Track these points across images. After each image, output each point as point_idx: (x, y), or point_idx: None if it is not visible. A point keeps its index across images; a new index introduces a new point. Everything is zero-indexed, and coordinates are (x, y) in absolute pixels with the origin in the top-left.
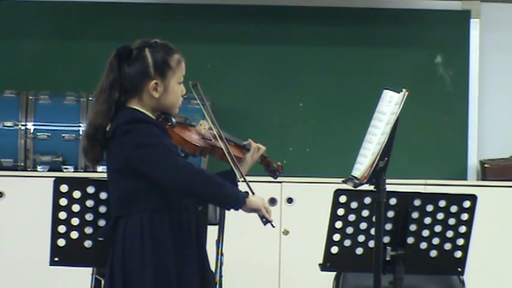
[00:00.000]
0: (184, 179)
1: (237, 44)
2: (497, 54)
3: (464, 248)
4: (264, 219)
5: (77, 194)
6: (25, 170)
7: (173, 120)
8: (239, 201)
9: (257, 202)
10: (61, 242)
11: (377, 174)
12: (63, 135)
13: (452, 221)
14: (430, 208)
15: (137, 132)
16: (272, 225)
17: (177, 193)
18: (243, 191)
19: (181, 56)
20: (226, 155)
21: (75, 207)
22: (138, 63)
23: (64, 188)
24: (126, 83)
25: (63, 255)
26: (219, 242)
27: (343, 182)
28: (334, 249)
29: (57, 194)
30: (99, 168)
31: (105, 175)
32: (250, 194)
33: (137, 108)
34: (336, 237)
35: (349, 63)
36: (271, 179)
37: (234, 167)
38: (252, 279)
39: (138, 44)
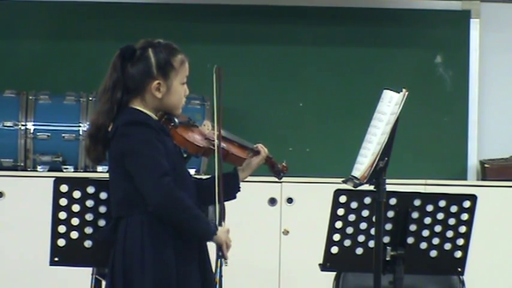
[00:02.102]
0: (164, 202)
1: (237, 44)
2: (497, 54)
3: (464, 248)
4: (220, 253)
5: (77, 194)
6: (25, 170)
7: (176, 120)
8: (208, 237)
9: (221, 239)
10: (61, 242)
11: (377, 174)
12: (63, 135)
13: (452, 221)
14: (430, 208)
15: (134, 137)
16: (225, 263)
17: (153, 211)
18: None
19: (184, 57)
20: (216, 152)
21: (75, 207)
22: (141, 63)
23: (64, 188)
24: (129, 83)
25: (63, 255)
26: None
27: (343, 182)
28: (334, 249)
29: (57, 194)
30: (99, 168)
31: (105, 175)
32: (219, 229)
33: (139, 108)
34: (336, 237)
35: (349, 63)
36: (271, 178)
37: (218, 168)
38: (252, 279)
39: (142, 44)
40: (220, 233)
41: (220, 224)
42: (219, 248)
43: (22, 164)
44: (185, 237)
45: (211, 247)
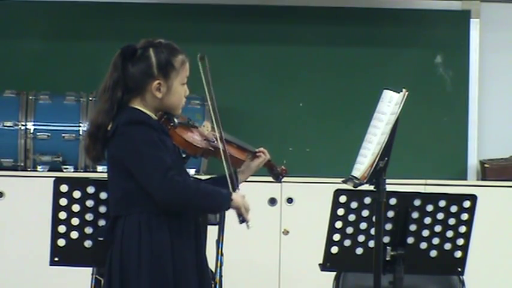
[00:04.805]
0: (174, 198)
1: (237, 44)
2: (497, 54)
3: (464, 248)
4: (240, 218)
5: (77, 194)
6: (25, 170)
7: (175, 120)
8: (226, 205)
9: (238, 201)
10: (61, 242)
11: (377, 174)
12: (63, 135)
13: (452, 221)
14: (430, 208)
15: (135, 137)
16: (247, 226)
17: (168, 208)
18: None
19: (185, 57)
20: (222, 154)
21: (75, 207)
22: (142, 63)
23: (64, 188)
24: (130, 83)
25: (63, 255)
26: (219, 242)
27: (343, 182)
28: (334, 249)
29: (57, 194)
30: (99, 168)
31: (105, 175)
32: (234, 193)
33: (139, 108)
34: (336, 237)
35: (349, 63)
36: (271, 178)
37: (225, 167)
38: (252, 279)
39: (143, 44)
40: (236, 197)
41: (234, 190)
42: (239, 214)
43: (22, 164)
44: (183, 235)
45: (211, 247)
